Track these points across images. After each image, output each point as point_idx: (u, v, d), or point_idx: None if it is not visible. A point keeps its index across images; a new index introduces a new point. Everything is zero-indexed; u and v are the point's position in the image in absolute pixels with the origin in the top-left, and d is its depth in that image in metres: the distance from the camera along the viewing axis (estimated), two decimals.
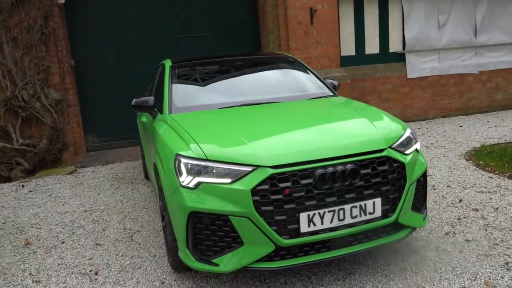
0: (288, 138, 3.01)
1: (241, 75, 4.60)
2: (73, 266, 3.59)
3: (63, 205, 5.19)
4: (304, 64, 4.82)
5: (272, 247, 2.69)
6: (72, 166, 6.90)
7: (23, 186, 6.16)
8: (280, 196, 2.64)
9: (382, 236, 2.96)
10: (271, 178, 2.64)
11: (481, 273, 3.03)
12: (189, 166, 2.79)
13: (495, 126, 7.92)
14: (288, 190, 2.65)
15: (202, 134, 3.09)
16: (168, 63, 4.58)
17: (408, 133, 3.21)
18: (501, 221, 3.84)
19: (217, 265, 2.74)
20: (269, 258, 2.74)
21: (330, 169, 2.71)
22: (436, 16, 8.97)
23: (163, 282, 3.21)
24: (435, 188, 4.79)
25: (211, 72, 4.56)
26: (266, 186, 2.63)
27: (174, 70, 4.38)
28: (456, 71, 9.24)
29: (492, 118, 8.76)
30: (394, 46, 9.01)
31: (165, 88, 4.11)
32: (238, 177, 2.67)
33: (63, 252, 3.89)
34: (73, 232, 4.32)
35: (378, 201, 2.83)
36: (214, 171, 2.73)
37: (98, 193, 5.54)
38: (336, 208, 2.73)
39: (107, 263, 3.59)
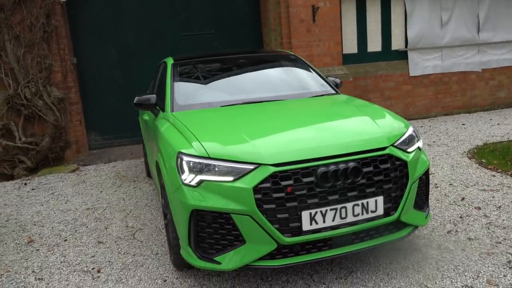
0: (290, 136, 3.01)
1: (243, 73, 4.60)
2: (76, 264, 3.60)
3: (65, 203, 5.20)
4: (306, 62, 4.82)
5: (274, 245, 2.69)
6: (74, 164, 6.91)
7: (25, 184, 6.17)
8: (282, 194, 2.64)
9: (384, 234, 2.96)
10: (273, 176, 2.64)
11: (484, 271, 3.03)
12: (191, 164, 2.79)
13: (498, 124, 7.89)
14: (290, 188, 2.65)
15: (204, 132, 3.09)
16: (170, 61, 4.58)
17: (410, 131, 3.21)
18: (503, 219, 3.83)
19: (219, 263, 2.75)
20: (271, 256, 2.74)
21: (332, 167, 2.71)
22: (439, 13, 8.93)
23: (165, 280, 3.21)
24: (438, 186, 4.78)
25: (213, 70, 4.56)
26: (268, 184, 2.63)
27: (176, 68, 4.38)
28: (458, 69, 9.21)
29: (495, 116, 8.73)
30: (397, 44, 8.98)
31: (167, 86, 4.11)
32: (240, 175, 2.67)
33: (65, 250, 3.90)
34: (76, 230, 4.33)
35: (380, 199, 2.83)
36: (216, 169, 2.73)
37: (101, 191, 5.55)
38: (338, 206, 2.73)
39: (109, 261, 3.60)
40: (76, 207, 5.02)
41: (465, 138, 6.92)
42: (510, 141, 6.47)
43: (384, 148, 2.90)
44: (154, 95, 4.10)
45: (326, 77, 4.59)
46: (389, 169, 2.86)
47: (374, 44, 8.86)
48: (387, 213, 2.88)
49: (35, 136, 6.80)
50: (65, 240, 4.11)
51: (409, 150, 3.05)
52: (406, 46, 8.97)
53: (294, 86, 4.33)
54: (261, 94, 4.05)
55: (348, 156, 2.79)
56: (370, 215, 2.82)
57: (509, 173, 5.00)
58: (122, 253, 3.73)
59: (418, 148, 3.18)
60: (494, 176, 4.98)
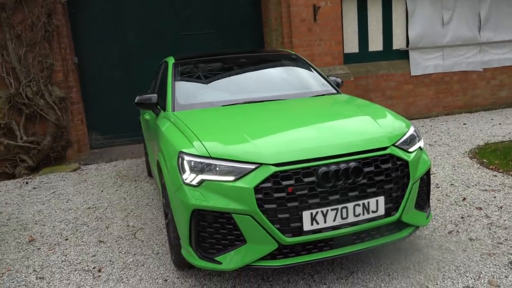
0: (291, 136, 3.01)
1: (244, 72, 4.60)
2: (77, 263, 3.60)
3: (66, 202, 5.20)
4: (307, 61, 4.81)
5: (275, 245, 2.69)
6: (75, 164, 6.91)
7: (27, 183, 6.18)
8: (283, 194, 2.64)
9: (385, 235, 2.96)
10: (274, 176, 2.64)
11: (485, 272, 3.02)
12: (192, 164, 2.79)
13: (499, 123, 7.88)
14: (291, 188, 2.64)
15: (205, 131, 3.09)
16: (171, 61, 4.58)
17: (411, 131, 3.20)
18: (505, 220, 3.82)
19: (220, 263, 2.75)
20: (272, 256, 2.74)
21: (333, 167, 2.71)
22: (440, 12, 8.92)
23: (166, 280, 3.21)
24: (439, 187, 4.77)
25: (214, 70, 4.56)
26: (269, 184, 2.63)
27: (177, 68, 4.38)
28: (460, 68, 9.19)
29: (496, 115, 8.72)
30: (398, 43, 8.97)
31: (168, 86, 4.11)
32: (241, 175, 2.67)
33: (66, 249, 3.90)
34: (77, 229, 4.34)
35: (381, 199, 2.83)
36: (217, 168, 2.73)
37: (102, 191, 5.55)
38: (339, 206, 2.73)
39: (110, 260, 3.60)
40: (77, 206, 5.03)
41: (467, 138, 6.91)
42: None
43: (385, 148, 2.90)
44: (155, 95, 4.10)
45: (327, 77, 4.59)
46: (390, 169, 2.86)
47: (375, 43, 8.86)
48: (388, 213, 2.88)
49: (36, 135, 6.81)
50: (66, 239, 4.11)
51: (410, 150, 3.05)
52: (407, 46, 8.96)
53: (295, 85, 4.33)
54: (262, 94, 4.05)
55: (349, 156, 2.78)
56: (371, 215, 2.81)
57: (511, 173, 4.99)
58: (123, 252, 3.74)
59: (419, 148, 3.18)
60: (496, 176, 4.97)
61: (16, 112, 6.73)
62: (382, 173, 2.83)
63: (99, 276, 3.36)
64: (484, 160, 5.54)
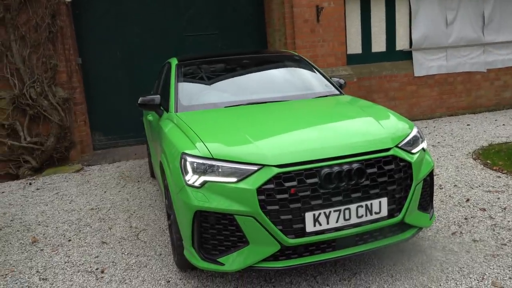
0: (294, 137, 3.01)
1: (247, 73, 4.60)
2: (80, 264, 3.61)
3: (70, 203, 5.21)
4: (310, 62, 4.81)
5: (278, 247, 2.68)
6: (79, 164, 6.93)
7: (30, 184, 6.20)
8: (285, 196, 2.63)
9: (388, 236, 2.95)
10: (276, 177, 2.64)
11: (489, 273, 3.01)
12: (195, 165, 2.79)
13: (503, 124, 7.85)
14: (294, 190, 2.64)
15: (208, 133, 3.09)
16: (174, 62, 4.58)
17: (414, 132, 3.19)
18: (509, 221, 3.81)
19: (222, 264, 2.75)
20: (274, 257, 2.74)
21: (336, 168, 2.70)
22: (444, 13, 8.90)
23: (169, 281, 3.21)
24: (442, 188, 4.76)
25: (217, 71, 4.57)
26: (271, 185, 2.63)
27: (180, 69, 4.38)
28: (463, 69, 9.17)
29: (500, 116, 8.68)
30: (401, 44, 8.95)
31: (171, 87, 4.12)
32: (243, 176, 2.67)
33: (69, 250, 3.91)
34: (80, 230, 4.34)
35: (384, 200, 2.82)
36: (219, 170, 2.73)
37: (105, 191, 5.56)
38: (342, 207, 2.72)
39: (113, 262, 3.61)
40: (80, 207, 5.04)
41: (470, 139, 6.89)
42: None
43: (388, 149, 2.89)
44: (158, 96, 4.10)
45: (330, 78, 4.58)
46: (393, 170, 2.85)
47: (379, 44, 8.84)
48: (391, 214, 2.87)
49: (40, 136, 6.83)
50: (69, 240, 4.12)
51: (414, 151, 3.04)
52: (410, 46, 8.94)
53: (298, 86, 4.33)
54: (265, 95, 4.05)
55: (352, 157, 2.78)
56: (374, 216, 2.81)
57: None
58: (125, 253, 3.74)
59: (423, 149, 3.17)
60: (499, 177, 4.96)
61: (20, 113, 6.75)
62: (385, 175, 2.83)
63: (102, 277, 3.37)
64: (488, 161, 5.52)
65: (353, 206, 2.74)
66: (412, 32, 8.83)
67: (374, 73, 8.64)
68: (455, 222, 3.87)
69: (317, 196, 2.68)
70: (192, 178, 2.78)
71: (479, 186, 4.72)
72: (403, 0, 8.79)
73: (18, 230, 4.46)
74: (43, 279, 3.41)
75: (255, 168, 2.67)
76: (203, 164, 2.77)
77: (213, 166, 2.75)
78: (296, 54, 5.04)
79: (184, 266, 3.22)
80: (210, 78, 4.39)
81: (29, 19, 6.65)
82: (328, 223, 2.71)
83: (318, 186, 2.68)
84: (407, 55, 8.94)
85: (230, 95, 4.08)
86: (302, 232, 2.68)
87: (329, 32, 7.87)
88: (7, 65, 6.60)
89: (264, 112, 3.62)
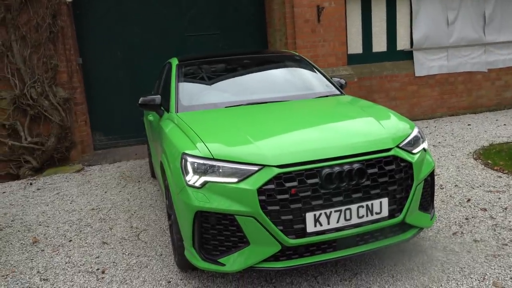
0: (294, 138, 3.00)
1: (248, 73, 4.60)
2: (80, 265, 3.61)
3: (70, 203, 5.21)
4: (311, 62, 4.81)
5: (278, 247, 2.68)
6: (79, 164, 6.93)
7: (31, 184, 6.20)
8: (286, 196, 2.63)
9: (389, 236, 2.95)
10: (277, 177, 2.63)
11: (490, 273, 3.01)
12: (195, 165, 2.79)
13: (504, 124, 7.84)
14: (295, 190, 2.64)
15: (208, 133, 3.09)
16: (175, 62, 4.58)
17: (415, 132, 3.19)
18: (510, 221, 3.80)
19: (223, 264, 2.74)
20: (275, 258, 2.73)
21: (336, 169, 2.70)
22: (445, 13, 8.89)
23: (169, 281, 3.21)
24: (443, 188, 4.75)
25: (218, 71, 4.56)
26: (272, 186, 2.62)
27: (180, 69, 4.38)
28: (464, 69, 9.16)
29: (501, 116, 8.67)
30: (402, 44, 8.95)
31: (172, 87, 4.11)
32: (244, 176, 2.67)
33: (70, 250, 3.91)
34: (80, 231, 4.34)
35: (385, 201, 2.81)
36: (220, 170, 2.73)
37: (105, 192, 5.56)
38: (343, 208, 2.72)
39: (113, 262, 3.60)
40: (81, 207, 5.04)
41: (471, 139, 6.88)
42: None
43: (389, 150, 2.89)
44: (159, 96, 4.10)
45: (331, 78, 4.58)
46: (394, 171, 2.85)
47: (379, 44, 8.83)
48: (392, 214, 2.87)
49: (40, 136, 6.83)
50: (70, 241, 4.12)
51: (414, 151, 3.03)
52: (411, 46, 8.93)
53: (299, 87, 4.32)
54: (265, 95, 4.04)
55: (352, 157, 2.77)
56: (375, 216, 2.80)
57: None
58: (126, 254, 3.74)
59: (424, 149, 3.16)
60: (500, 177, 4.95)
61: (21, 113, 6.76)
62: (386, 175, 2.82)
63: (102, 277, 3.36)
64: (489, 161, 5.51)
65: (354, 207, 2.74)
66: (413, 32, 8.83)
67: (374, 73, 8.63)
68: (456, 222, 3.87)
69: (317, 197, 2.67)
70: (192, 178, 2.78)
71: (480, 186, 4.71)
72: (404, 0, 8.78)
73: (19, 231, 4.46)
74: (44, 279, 3.41)
75: (255, 168, 2.67)
76: (204, 164, 2.77)
77: (213, 166, 2.74)
78: (297, 54, 5.04)
79: (184, 266, 3.22)
80: (210, 78, 4.39)
81: (30, 19, 6.65)
82: (328, 223, 2.70)
83: (319, 186, 2.67)
84: (408, 55, 8.94)
85: (231, 95, 4.08)
86: (303, 233, 2.68)
87: (330, 32, 7.86)
88: (8, 65, 6.61)
89: (264, 112, 3.62)
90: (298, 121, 3.34)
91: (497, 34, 9.29)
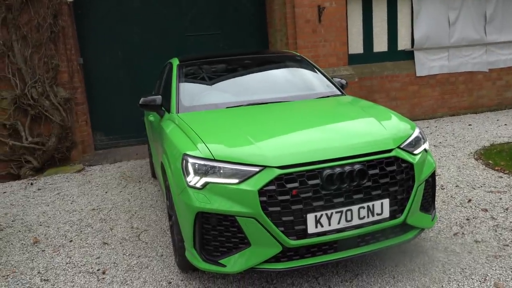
0: (295, 138, 3.00)
1: (249, 74, 4.59)
2: (81, 265, 3.61)
3: (71, 203, 5.21)
4: (312, 62, 4.80)
5: (279, 248, 2.68)
6: (80, 165, 6.93)
7: (32, 184, 6.20)
8: (287, 197, 2.63)
9: (390, 237, 2.94)
10: (278, 178, 2.63)
11: (491, 274, 3.00)
12: (196, 166, 2.79)
13: (505, 124, 7.83)
14: (296, 191, 2.63)
15: (209, 134, 3.09)
16: (175, 62, 4.58)
17: (416, 132, 3.19)
18: (511, 222, 3.80)
19: (224, 265, 2.74)
20: (276, 259, 2.73)
21: (337, 170, 2.69)
22: (446, 13, 8.87)
23: (170, 282, 3.21)
24: (444, 188, 4.75)
25: (219, 71, 4.56)
26: (273, 187, 2.62)
27: (181, 69, 4.38)
28: (465, 69, 9.14)
29: (502, 116, 8.66)
30: (403, 43, 8.94)
31: (173, 87, 4.11)
32: (245, 177, 2.66)
33: (71, 250, 3.91)
34: (81, 231, 4.34)
35: (386, 202, 2.81)
36: (221, 171, 2.73)
37: (106, 192, 5.56)
38: (344, 209, 2.72)
39: (114, 262, 3.60)
40: (81, 207, 5.04)
41: (472, 139, 6.87)
42: None
43: (390, 150, 2.88)
44: (160, 96, 4.10)
45: (332, 78, 4.58)
46: (395, 172, 2.85)
47: (380, 44, 8.82)
48: (393, 215, 2.86)
49: (41, 136, 6.83)
50: (71, 241, 4.12)
51: (416, 152, 3.03)
52: (412, 46, 8.92)
53: (300, 87, 4.32)
54: (266, 96, 4.04)
55: (354, 158, 2.77)
56: (376, 217, 2.80)
57: None
58: (127, 254, 3.74)
59: (425, 150, 3.16)
60: (501, 177, 4.94)
61: (22, 113, 6.76)
62: (387, 176, 2.82)
63: (103, 278, 3.36)
64: (490, 161, 5.50)
65: (355, 208, 2.74)
66: (414, 32, 8.81)
67: (375, 73, 8.63)
68: (457, 222, 3.86)
69: (318, 198, 2.67)
70: (193, 179, 2.78)
71: (481, 186, 4.71)
72: (405, 0, 8.77)
73: (19, 231, 4.46)
74: (44, 280, 3.41)
75: (256, 169, 2.67)
76: (205, 165, 2.76)
77: (214, 167, 2.74)
78: (298, 54, 5.03)
79: (185, 267, 3.22)
80: (211, 79, 4.38)
81: (31, 19, 6.65)
82: (329, 224, 2.70)
83: (320, 187, 2.67)
84: (408, 55, 8.92)
85: (232, 96, 4.08)
86: (304, 234, 2.67)
87: (331, 32, 7.85)
88: (8, 65, 6.61)
89: (265, 112, 3.61)
90: (299, 122, 3.34)
91: (498, 34, 9.28)
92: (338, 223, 2.72)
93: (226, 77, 4.50)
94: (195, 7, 8.16)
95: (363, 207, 2.75)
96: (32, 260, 3.77)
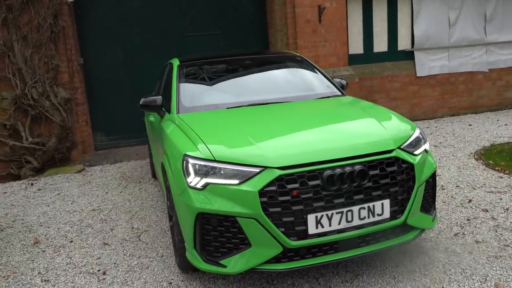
0: (296, 139, 3.00)
1: (249, 74, 4.59)
2: (81, 266, 3.61)
3: (71, 204, 5.21)
4: (312, 63, 4.80)
5: (280, 249, 2.68)
6: (80, 165, 6.93)
7: (32, 184, 6.20)
8: (288, 198, 2.63)
9: (391, 238, 2.94)
10: (279, 179, 2.63)
11: (491, 275, 3.00)
12: (197, 167, 2.79)
13: (505, 124, 7.83)
14: (296, 192, 2.63)
15: (209, 134, 3.09)
16: (176, 62, 4.58)
17: (417, 133, 3.19)
18: (511, 222, 3.80)
19: (224, 266, 2.74)
20: (276, 259, 2.73)
21: (338, 170, 2.70)
22: (446, 13, 8.87)
23: (171, 283, 3.21)
24: (444, 188, 4.75)
25: (219, 72, 4.56)
26: (274, 188, 2.62)
27: (182, 70, 4.38)
28: (465, 69, 9.14)
29: (502, 116, 8.66)
30: (403, 44, 8.93)
31: (173, 88, 4.11)
32: (245, 178, 2.67)
33: (71, 251, 3.91)
34: (81, 231, 4.34)
35: (386, 202, 2.81)
36: (221, 172, 2.73)
37: (106, 192, 5.56)
38: (344, 209, 2.72)
39: (115, 263, 3.60)
40: (82, 208, 5.04)
41: (472, 139, 6.87)
42: None
43: (390, 151, 2.88)
44: (160, 97, 4.10)
45: (332, 78, 4.58)
46: (395, 172, 2.85)
47: (380, 44, 8.82)
48: (393, 216, 2.87)
49: (41, 137, 6.83)
50: (71, 242, 4.12)
51: (416, 152, 3.03)
52: (412, 46, 8.92)
53: (300, 88, 4.32)
54: (266, 96, 4.04)
55: (354, 159, 2.77)
56: (377, 218, 2.80)
57: None
58: (127, 255, 3.74)
59: (425, 150, 3.16)
60: (502, 177, 4.94)
61: (22, 113, 6.76)
62: (387, 176, 2.82)
63: (103, 279, 3.36)
64: (490, 162, 5.50)
65: (355, 208, 2.74)
66: (414, 32, 8.81)
67: (375, 73, 8.62)
68: (457, 223, 3.86)
69: (319, 198, 2.67)
70: (194, 180, 2.78)
71: (481, 186, 4.71)
72: (405, 0, 8.77)
73: (20, 231, 4.46)
74: (45, 280, 3.41)
75: (257, 170, 2.67)
76: (205, 166, 2.76)
77: (215, 168, 2.74)
78: (298, 55, 5.03)
79: (186, 268, 3.22)
80: (211, 79, 4.38)
81: (31, 19, 6.65)
82: (330, 225, 2.70)
83: (320, 188, 2.67)
84: (408, 55, 8.92)
85: (232, 96, 4.08)
86: (305, 234, 2.67)
87: (331, 32, 7.85)
88: (9, 65, 6.61)
89: (266, 113, 3.62)
90: (299, 123, 3.34)
91: (499, 34, 9.28)
92: (339, 223, 2.72)
93: (226, 78, 4.50)
94: (195, 7, 8.16)
95: (364, 208, 2.76)
96: (33, 260, 3.78)
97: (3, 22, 6.54)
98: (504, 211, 4.03)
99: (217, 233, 2.75)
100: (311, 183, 2.66)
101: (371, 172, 2.77)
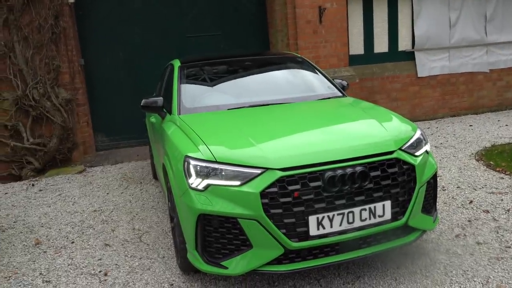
0: (297, 140, 3.00)
1: (250, 75, 4.59)
2: (83, 267, 3.61)
3: (72, 204, 5.22)
4: (313, 64, 4.80)
5: (281, 250, 2.68)
6: (81, 166, 6.94)
7: (33, 185, 6.21)
8: (289, 199, 2.63)
9: (392, 239, 2.94)
10: (280, 180, 2.63)
11: (493, 276, 3.00)
12: (198, 168, 2.79)
13: (506, 125, 7.83)
14: (297, 193, 2.64)
15: (211, 135, 3.09)
16: (177, 63, 4.58)
17: (418, 134, 3.19)
18: None
19: (226, 267, 2.74)
20: (278, 261, 2.73)
21: (339, 172, 2.70)
22: (447, 13, 8.87)
23: (172, 284, 3.21)
24: (445, 189, 4.75)
25: (220, 72, 4.56)
26: (275, 189, 2.62)
27: (183, 71, 4.38)
28: (466, 69, 9.14)
29: (503, 117, 8.66)
30: (404, 44, 8.93)
31: (174, 89, 4.11)
32: (247, 179, 2.67)
33: (72, 252, 3.91)
34: (83, 232, 4.35)
35: (387, 203, 2.81)
36: (223, 173, 2.73)
37: (107, 193, 5.56)
38: (346, 211, 2.72)
39: (116, 264, 3.61)
40: (83, 209, 5.04)
41: (473, 140, 6.87)
42: None
43: (391, 152, 2.89)
44: (161, 98, 4.10)
45: (333, 79, 4.58)
46: (396, 173, 2.85)
47: (381, 45, 8.82)
48: (394, 217, 2.87)
49: (42, 137, 6.84)
50: (72, 243, 4.12)
51: (417, 153, 3.03)
52: (413, 47, 8.92)
53: (301, 88, 4.32)
54: (267, 97, 4.04)
55: (355, 160, 2.77)
56: (378, 219, 2.80)
57: None
58: (129, 256, 3.74)
59: (426, 151, 3.16)
60: (503, 178, 4.94)
61: (23, 114, 6.76)
62: (388, 178, 2.82)
63: (105, 280, 3.37)
64: (491, 162, 5.50)
65: (356, 210, 2.74)
66: (414, 33, 8.81)
67: (376, 74, 8.62)
68: (458, 224, 3.86)
69: (320, 200, 2.67)
70: (195, 181, 2.78)
71: (482, 187, 4.71)
72: (406, 1, 8.77)
73: (21, 232, 4.47)
74: (46, 281, 3.42)
75: (258, 171, 2.67)
76: (207, 167, 2.77)
77: (216, 169, 2.74)
78: (299, 55, 5.03)
79: (187, 269, 3.22)
80: (212, 80, 4.38)
81: (32, 20, 6.66)
82: (331, 226, 2.70)
83: (322, 189, 2.67)
84: (409, 56, 8.92)
85: (233, 97, 4.08)
86: (306, 236, 2.68)
87: (332, 33, 7.85)
88: (10, 66, 6.62)
89: (267, 114, 3.62)
90: (300, 124, 3.34)
91: (499, 34, 9.27)
92: (340, 225, 2.72)
93: (227, 79, 4.50)
94: (195, 8, 8.16)
95: (365, 209, 2.76)
96: (34, 261, 3.78)
97: (4, 23, 6.55)
98: (505, 212, 4.03)
99: (218, 235, 2.75)
100: (312, 184, 2.66)
101: (372, 173, 2.77)
